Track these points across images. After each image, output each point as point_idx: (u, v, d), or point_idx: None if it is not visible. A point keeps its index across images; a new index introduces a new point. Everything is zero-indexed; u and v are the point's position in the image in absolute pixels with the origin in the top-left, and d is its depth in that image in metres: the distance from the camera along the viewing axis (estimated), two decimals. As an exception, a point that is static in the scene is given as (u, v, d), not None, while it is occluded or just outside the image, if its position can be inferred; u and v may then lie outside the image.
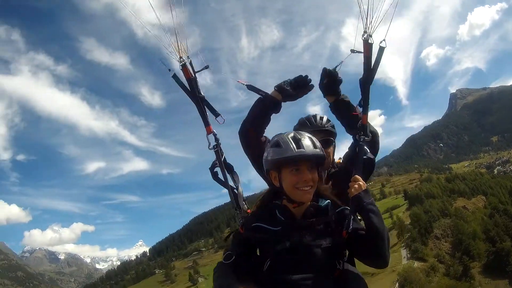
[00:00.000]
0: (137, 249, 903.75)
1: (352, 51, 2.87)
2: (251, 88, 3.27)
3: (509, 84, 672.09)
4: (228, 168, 3.22)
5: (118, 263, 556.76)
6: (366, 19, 2.74)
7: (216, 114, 3.24)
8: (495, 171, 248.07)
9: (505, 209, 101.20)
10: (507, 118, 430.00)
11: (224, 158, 3.22)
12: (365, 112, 2.94)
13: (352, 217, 2.62)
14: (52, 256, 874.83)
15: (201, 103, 3.18)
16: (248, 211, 3.10)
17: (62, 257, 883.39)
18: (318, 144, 2.61)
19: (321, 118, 3.66)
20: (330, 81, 3.15)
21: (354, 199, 2.66)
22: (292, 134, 2.63)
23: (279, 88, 3.16)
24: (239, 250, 2.71)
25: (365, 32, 2.76)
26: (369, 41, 2.78)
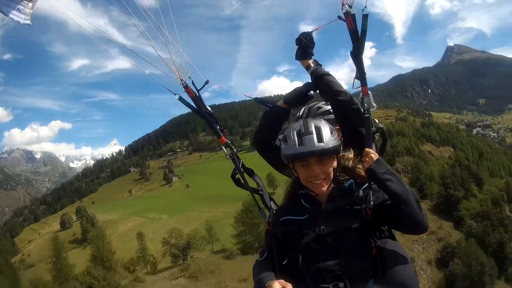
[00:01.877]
0: (111, 148, 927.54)
1: (339, 17, 2.82)
2: (258, 100, 3.35)
3: (509, 56, 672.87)
4: (248, 172, 3.27)
5: (92, 162, 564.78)
6: None
7: (218, 133, 3.32)
8: (474, 131, 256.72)
9: (468, 165, 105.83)
10: (499, 86, 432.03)
11: (242, 164, 3.28)
12: (364, 83, 2.93)
13: (372, 191, 2.62)
14: (29, 156, 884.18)
15: (210, 118, 3.28)
16: None
17: (38, 156, 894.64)
18: (325, 135, 2.57)
19: (327, 109, 3.49)
20: (300, 45, 3.14)
21: (368, 172, 2.62)
22: (298, 128, 2.63)
23: (286, 99, 3.21)
24: (270, 246, 2.80)
25: (343, 4, 2.74)
26: (350, 12, 2.74)
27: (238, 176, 3.29)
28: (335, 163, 2.65)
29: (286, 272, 2.60)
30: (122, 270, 48.22)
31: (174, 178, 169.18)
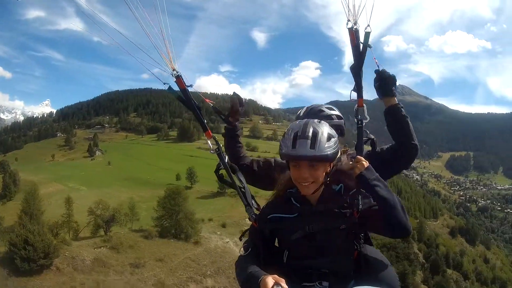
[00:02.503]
0: (43, 108, 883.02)
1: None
2: (216, 110, 3.45)
3: (450, 106, 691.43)
4: (233, 169, 3.22)
5: (22, 117, 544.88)
6: (348, 7, 2.84)
7: (206, 127, 3.29)
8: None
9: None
10: (434, 133, 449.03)
11: (228, 160, 3.24)
12: (360, 96, 3.05)
13: (360, 196, 2.71)
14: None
15: (199, 111, 3.25)
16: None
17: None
18: (320, 142, 2.57)
19: (329, 113, 3.54)
20: (381, 82, 3.15)
21: (358, 178, 2.68)
22: (296, 129, 2.64)
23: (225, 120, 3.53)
24: (256, 242, 2.83)
25: (349, 20, 2.85)
26: (354, 28, 2.88)
27: (221, 171, 3.27)
28: (328, 168, 2.70)
29: (271, 268, 2.54)
30: (47, 231, 47.31)
31: (98, 152, 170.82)
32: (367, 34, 2.91)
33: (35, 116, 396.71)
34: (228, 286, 45.67)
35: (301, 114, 3.58)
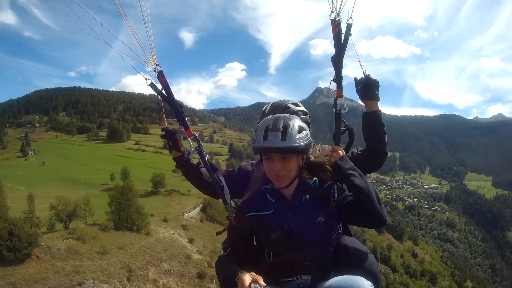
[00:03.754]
0: None
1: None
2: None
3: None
4: (213, 168, 3.27)
5: None
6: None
7: (187, 125, 3.31)
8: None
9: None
10: (359, 134, 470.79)
11: (208, 159, 3.30)
12: (340, 86, 3.08)
13: (336, 186, 2.72)
14: None
15: (180, 108, 3.25)
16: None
17: None
18: (291, 134, 2.61)
19: (295, 110, 3.57)
20: (365, 85, 3.22)
21: (333, 167, 2.71)
22: (268, 123, 2.69)
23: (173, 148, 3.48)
24: (235, 241, 2.84)
25: (332, 12, 2.91)
26: (337, 20, 2.94)
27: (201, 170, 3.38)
28: (301, 162, 2.73)
29: (251, 267, 2.54)
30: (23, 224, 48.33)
31: (30, 152, 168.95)
32: (348, 26, 2.97)
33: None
34: (181, 269, 51.03)
35: (266, 111, 3.61)
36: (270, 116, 2.80)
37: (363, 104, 3.31)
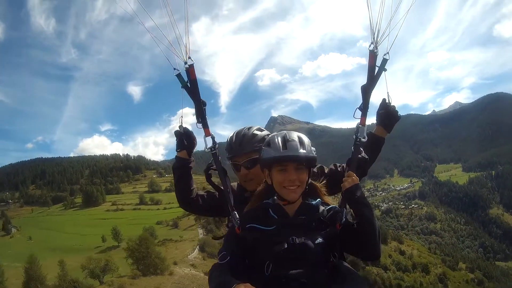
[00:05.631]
0: None
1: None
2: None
3: (332, 126, 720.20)
4: (224, 172, 3.24)
5: None
6: (374, 32, 2.97)
7: (206, 124, 3.26)
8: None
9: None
10: (321, 153, 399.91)
11: (220, 161, 3.26)
12: (364, 115, 3.07)
13: (345, 210, 2.74)
14: None
15: (204, 107, 3.23)
16: None
17: None
18: (308, 145, 2.72)
19: (262, 135, 3.49)
20: (388, 115, 3.33)
21: (346, 192, 2.74)
22: (283, 134, 2.77)
23: (181, 147, 3.50)
24: (234, 250, 2.74)
25: (371, 43, 2.99)
26: (374, 52, 3.01)
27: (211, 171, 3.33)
28: (308, 177, 2.78)
29: (247, 278, 2.48)
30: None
31: (13, 229, 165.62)
32: (384, 60, 3.03)
33: None
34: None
35: (233, 141, 3.52)
36: (277, 132, 2.92)
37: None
